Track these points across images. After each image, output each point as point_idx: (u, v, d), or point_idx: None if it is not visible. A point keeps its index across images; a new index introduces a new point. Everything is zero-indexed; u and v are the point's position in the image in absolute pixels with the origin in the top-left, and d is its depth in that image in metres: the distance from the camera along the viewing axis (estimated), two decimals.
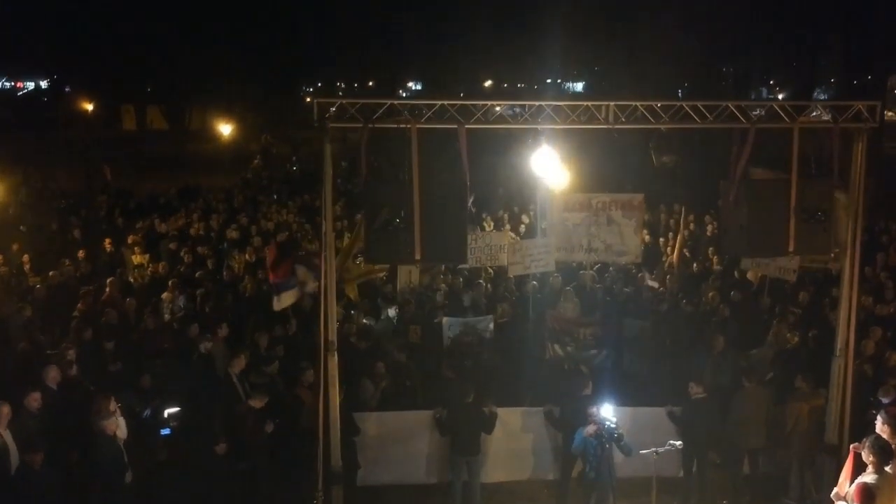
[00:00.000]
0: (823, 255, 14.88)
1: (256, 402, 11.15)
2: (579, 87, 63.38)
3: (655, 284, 16.99)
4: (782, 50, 26.95)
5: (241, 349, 12.48)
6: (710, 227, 21.05)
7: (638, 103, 9.76)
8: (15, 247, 19.49)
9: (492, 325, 14.57)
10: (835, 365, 10.87)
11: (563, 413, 11.68)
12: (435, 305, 15.51)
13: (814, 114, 10.05)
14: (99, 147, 38.16)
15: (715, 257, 18.62)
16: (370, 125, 9.36)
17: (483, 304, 15.55)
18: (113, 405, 10.40)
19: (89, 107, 49.17)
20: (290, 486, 11.03)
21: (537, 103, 9.69)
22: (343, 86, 63.79)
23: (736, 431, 11.77)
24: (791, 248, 10.00)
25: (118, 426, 10.26)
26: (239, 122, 44.23)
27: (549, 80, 59.39)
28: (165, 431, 10.21)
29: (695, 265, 18.30)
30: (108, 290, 15.96)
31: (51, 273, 17.09)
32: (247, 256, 18.61)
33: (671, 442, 9.80)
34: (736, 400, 11.80)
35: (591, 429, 10.46)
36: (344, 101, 9.30)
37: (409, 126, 9.39)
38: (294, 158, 37.56)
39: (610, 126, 9.83)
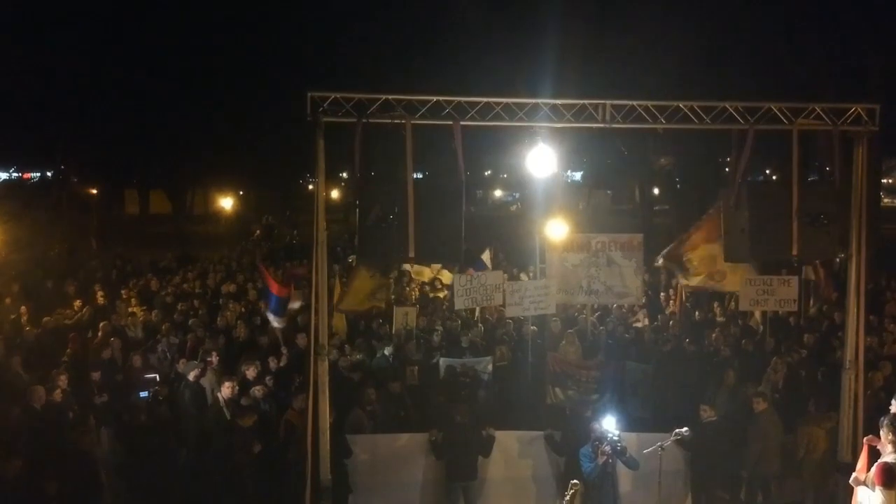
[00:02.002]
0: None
1: (245, 421, 10.80)
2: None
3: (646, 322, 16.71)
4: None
5: (230, 377, 12.17)
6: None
7: (635, 103, 9.68)
8: (8, 300, 19.25)
9: (490, 367, 14.26)
10: (845, 378, 10.49)
11: (564, 437, 11.23)
12: (432, 346, 15.19)
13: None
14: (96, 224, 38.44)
15: (718, 308, 18.35)
16: (364, 120, 9.25)
17: (481, 346, 15.24)
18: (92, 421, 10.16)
19: (93, 191, 49.62)
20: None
21: (534, 101, 9.59)
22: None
23: (756, 460, 11.32)
24: (794, 252, 9.73)
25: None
26: (241, 202, 44.54)
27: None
28: (144, 394, 9.80)
29: (697, 313, 17.98)
30: (99, 334, 15.68)
31: (44, 319, 16.83)
32: (241, 307, 18.33)
33: (678, 430, 9.30)
34: (755, 427, 11.38)
35: (604, 450, 10.03)
36: (338, 96, 9.21)
37: (403, 122, 9.29)
38: (295, 232, 37.62)
39: (607, 125, 9.73)
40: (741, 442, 11.40)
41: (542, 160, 9.74)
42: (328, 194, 9.97)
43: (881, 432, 7.48)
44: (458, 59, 30.73)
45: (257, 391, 11.89)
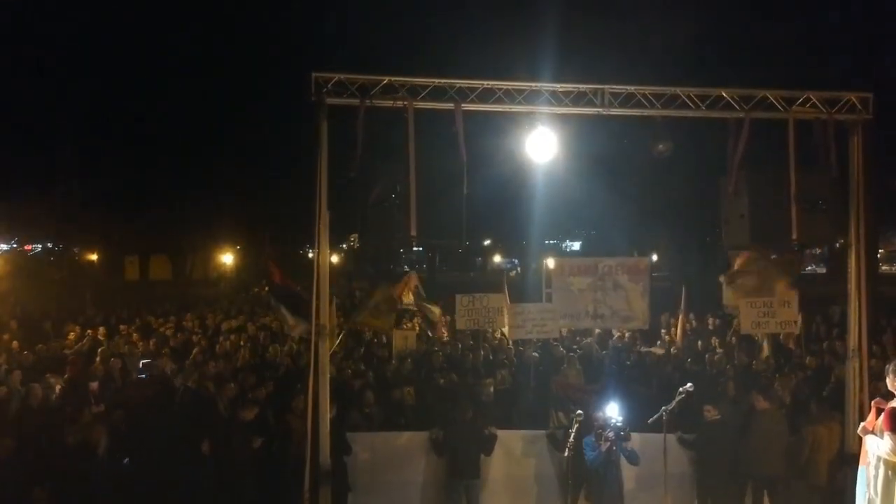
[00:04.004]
0: None
1: (246, 414, 10.66)
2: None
3: (661, 350, 16.54)
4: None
5: (230, 381, 12.11)
6: (710, 321, 20.79)
7: (633, 88, 9.85)
8: (6, 336, 19.14)
9: (491, 389, 14.11)
10: (849, 366, 10.41)
11: (567, 434, 11.06)
12: (433, 368, 15.07)
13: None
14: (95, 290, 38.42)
15: (718, 342, 18.26)
16: (367, 102, 9.41)
17: (482, 370, 15.12)
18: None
19: (93, 257, 49.80)
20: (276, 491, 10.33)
21: (534, 84, 9.76)
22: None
23: (754, 459, 11.13)
24: (794, 237, 9.79)
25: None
26: (240, 258, 44.71)
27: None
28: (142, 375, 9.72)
29: (699, 343, 17.90)
30: (98, 359, 15.58)
31: (38, 346, 16.73)
32: (241, 341, 18.23)
33: (682, 389, 9.13)
34: (754, 425, 11.23)
35: (608, 436, 9.90)
36: (342, 77, 9.39)
37: (405, 104, 9.45)
38: (298, 289, 37.44)
39: (605, 111, 9.88)
40: (742, 441, 11.24)
41: (542, 144, 9.82)
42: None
43: (887, 380, 7.41)
44: (460, 44, 30.91)
45: (258, 393, 11.79)
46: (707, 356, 16.07)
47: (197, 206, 46.93)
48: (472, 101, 9.67)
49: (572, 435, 8.27)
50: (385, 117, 9.51)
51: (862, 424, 7.67)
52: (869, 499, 7.35)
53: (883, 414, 7.21)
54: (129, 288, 47.04)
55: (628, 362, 16.44)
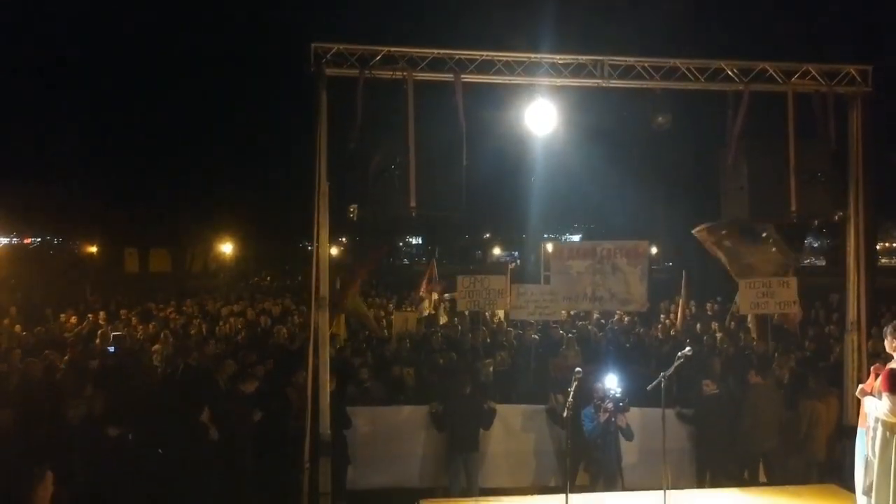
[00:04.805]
0: None
1: (247, 386, 10.66)
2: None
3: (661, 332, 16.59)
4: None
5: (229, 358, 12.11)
6: (709, 306, 20.86)
7: (633, 60, 9.85)
8: (6, 321, 19.16)
9: (490, 369, 14.12)
10: (848, 339, 10.43)
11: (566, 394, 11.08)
12: (432, 349, 15.09)
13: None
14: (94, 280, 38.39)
15: (717, 327, 18.30)
16: (366, 73, 9.40)
17: (482, 351, 15.13)
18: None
19: (93, 249, 49.79)
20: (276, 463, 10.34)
21: (533, 56, 9.75)
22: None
23: (749, 433, 11.14)
24: (793, 209, 9.78)
25: None
26: (241, 248, 44.78)
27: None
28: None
29: (698, 326, 17.94)
30: (98, 341, 15.62)
31: (37, 328, 16.75)
32: (241, 324, 18.27)
33: (680, 353, 9.12)
34: (747, 400, 11.24)
35: (606, 407, 9.92)
36: (341, 47, 9.38)
37: (405, 75, 9.45)
38: (300, 277, 37.69)
39: (605, 83, 9.88)
40: (739, 415, 11.26)
41: (541, 116, 9.81)
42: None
43: (885, 342, 7.41)
44: (460, 15, 30.75)
45: (258, 370, 11.79)
46: (705, 339, 16.09)
47: (196, 198, 47.00)
48: (472, 73, 9.65)
49: (571, 394, 8.26)
50: (385, 89, 9.50)
51: (860, 386, 7.67)
52: (867, 460, 7.35)
53: (882, 375, 7.21)
54: (128, 280, 47.04)
55: (627, 345, 16.49)
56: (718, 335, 15.66)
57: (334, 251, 45.66)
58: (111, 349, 10.81)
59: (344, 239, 55.12)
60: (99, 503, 8.77)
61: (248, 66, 47.37)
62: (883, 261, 50.95)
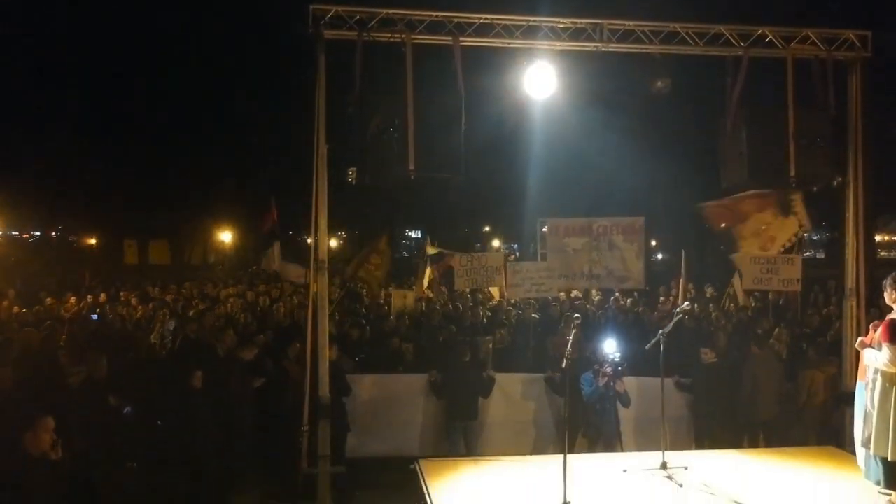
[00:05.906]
0: None
1: (246, 354, 10.68)
2: None
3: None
4: None
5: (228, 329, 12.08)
6: (709, 291, 20.82)
7: (632, 23, 9.83)
8: (5, 303, 19.10)
9: (490, 346, 14.09)
10: (846, 305, 10.42)
11: (564, 377, 11.06)
12: (432, 325, 15.05)
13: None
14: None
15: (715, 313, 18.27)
16: (365, 36, 9.38)
17: (482, 328, 15.10)
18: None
19: (92, 241, 49.77)
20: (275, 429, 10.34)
21: (532, 19, 9.73)
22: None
23: (749, 403, 11.14)
24: (792, 173, 9.77)
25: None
26: (240, 238, 44.77)
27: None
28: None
29: (696, 306, 17.90)
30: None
31: (35, 307, 16.70)
32: (239, 305, 18.22)
33: (678, 309, 9.11)
34: (747, 368, 11.24)
35: (605, 371, 9.93)
36: (339, 9, 9.36)
37: (403, 38, 9.43)
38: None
39: (603, 47, 9.86)
40: (738, 385, 11.25)
41: (540, 79, 9.78)
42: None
43: (885, 294, 7.40)
44: None
45: (258, 340, 11.77)
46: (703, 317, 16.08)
47: (196, 187, 47.04)
48: (470, 36, 9.64)
49: (570, 343, 8.24)
50: (384, 52, 9.48)
51: (860, 339, 7.67)
52: (866, 412, 7.35)
53: (881, 326, 7.20)
54: (128, 271, 47.00)
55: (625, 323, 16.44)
56: (714, 314, 15.60)
57: (333, 243, 45.99)
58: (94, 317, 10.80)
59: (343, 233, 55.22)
60: (96, 467, 8.79)
61: (248, 64, 47.56)
62: (882, 254, 50.73)
